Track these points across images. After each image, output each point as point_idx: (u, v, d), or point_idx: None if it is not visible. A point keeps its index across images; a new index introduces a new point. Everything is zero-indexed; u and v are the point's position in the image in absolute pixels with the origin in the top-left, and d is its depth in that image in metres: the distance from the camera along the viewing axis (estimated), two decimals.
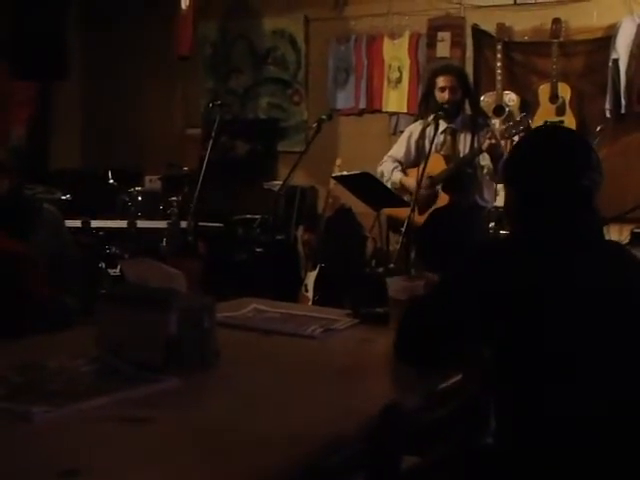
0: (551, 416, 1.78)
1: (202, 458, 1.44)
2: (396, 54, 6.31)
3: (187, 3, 6.56)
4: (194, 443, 1.50)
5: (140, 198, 5.73)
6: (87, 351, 1.97)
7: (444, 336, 1.93)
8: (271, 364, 2.11)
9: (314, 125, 4.87)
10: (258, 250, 5.72)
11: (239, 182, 6.33)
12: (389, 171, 4.77)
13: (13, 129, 6.50)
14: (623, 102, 5.45)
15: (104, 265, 5.11)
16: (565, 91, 5.54)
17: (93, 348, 1.98)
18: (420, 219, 4.51)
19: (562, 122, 5.47)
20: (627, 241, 4.97)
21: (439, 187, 4.61)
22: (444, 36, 6.09)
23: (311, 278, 5.34)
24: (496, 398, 1.91)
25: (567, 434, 1.76)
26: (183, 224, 5.23)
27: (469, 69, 5.85)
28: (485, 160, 4.50)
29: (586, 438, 1.76)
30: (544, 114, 5.56)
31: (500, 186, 4.41)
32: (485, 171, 4.53)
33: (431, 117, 4.51)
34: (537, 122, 5.42)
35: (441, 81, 4.61)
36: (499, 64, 5.73)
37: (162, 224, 5.43)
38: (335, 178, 5.01)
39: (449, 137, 4.67)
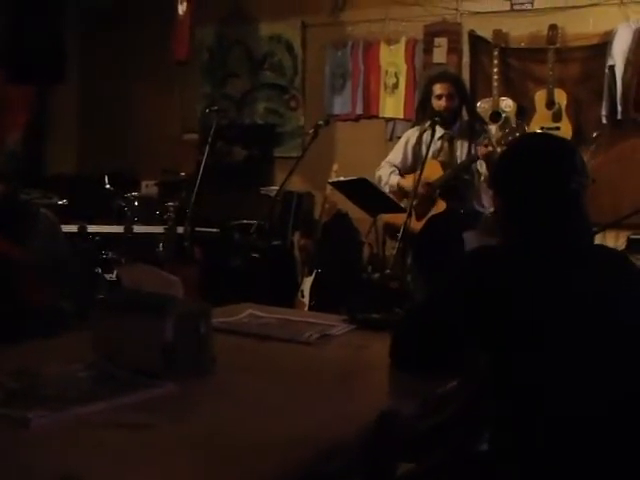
0: (551, 416, 1.78)
1: (198, 464, 1.43)
2: (393, 60, 6.31)
3: (184, 8, 6.56)
4: (191, 449, 1.50)
5: (136, 203, 5.72)
6: (83, 356, 1.96)
7: (439, 341, 1.95)
8: (267, 370, 2.11)
9: (311, 131, 4.88)
10: (254, 255, 5.72)
11: (236, 187, 6.32)
12: (387, 174, 4.78)
13: (9, 134, 6.49)
14: (619, 108, 5.46)
15: (100, 270, 5.11)
16: (561, 97, 5.55)
17: (89, 353, 1.97)
18: (417, 225, 4.52)
19: (558, 128, 5.48)
20: (623, 247, 4.97)
21: (437, 193, 4.62)
22: (441, 42, 6.10)
23: (307, 284, 5.34)
24: (494, 403, 1.92)
25: (567, 434, 1.77)
26: (179, 229, 5.23)
27: (465, 75, 5.85)
28: (482, 167, 4.51)
29: (586, 438, 1.76)
30: (540, 120, 5.56)
31: None
32: (482, 178, 4.54)
33: (427, 123, 4.52)
34: (533, 128, 5.43)
35: (438, 89, 4.61)
36: (496, 70, 5.73)
37: (158, 229, 5.42)
38: (332, 184, 5.01)
39: (446, 144, 4.68)
